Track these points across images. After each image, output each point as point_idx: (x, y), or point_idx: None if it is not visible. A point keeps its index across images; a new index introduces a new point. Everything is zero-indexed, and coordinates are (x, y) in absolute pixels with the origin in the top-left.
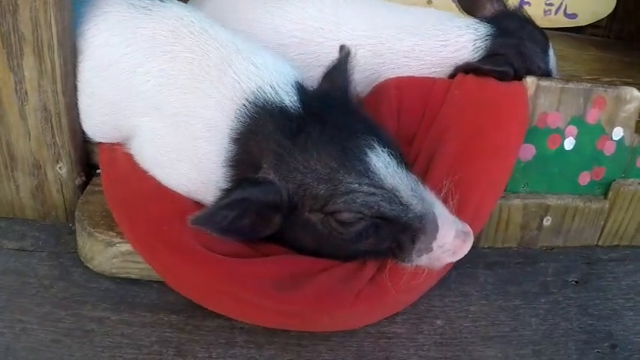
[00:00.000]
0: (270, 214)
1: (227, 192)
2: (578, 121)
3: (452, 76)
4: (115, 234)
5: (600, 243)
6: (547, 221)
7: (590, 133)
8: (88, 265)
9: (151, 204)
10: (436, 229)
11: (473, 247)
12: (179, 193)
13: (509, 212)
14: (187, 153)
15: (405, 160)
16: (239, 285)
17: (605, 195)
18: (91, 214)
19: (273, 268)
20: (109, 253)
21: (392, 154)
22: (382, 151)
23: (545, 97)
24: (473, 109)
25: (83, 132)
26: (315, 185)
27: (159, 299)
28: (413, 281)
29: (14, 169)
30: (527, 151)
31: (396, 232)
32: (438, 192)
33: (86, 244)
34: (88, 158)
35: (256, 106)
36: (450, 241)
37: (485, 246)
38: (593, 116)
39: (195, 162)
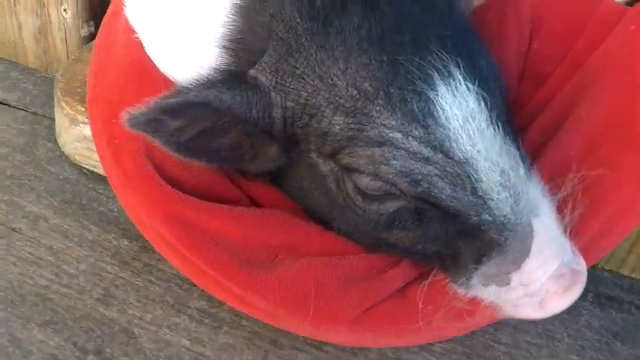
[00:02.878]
0: (262, 141)
1: (190, 87)
2: None
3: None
4: (83, 110)
5: None
6: None
7: None
8: (58, 141)
9: (118, 79)
10: (525, 252)
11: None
12: (160, 73)
13: None
14: (179, 19)
15: (510, 118)
16: (187, 243)
17: None
18: (72, 76)
19: (252, 228)
20: (73, 133)
21: (484, 99)
22: (467, 87)
23: None
24: None
25: None
26: (327, 112)
27: (119, 213)
28: (458, 320)
29: (17, 3)
30: None
31: (455, 235)
32: (554, 189)
33: (57, 115)
34: (104, 6)
35: None
36: (541, 281)
37: (606, 267)
38: None
39: (185, 34)
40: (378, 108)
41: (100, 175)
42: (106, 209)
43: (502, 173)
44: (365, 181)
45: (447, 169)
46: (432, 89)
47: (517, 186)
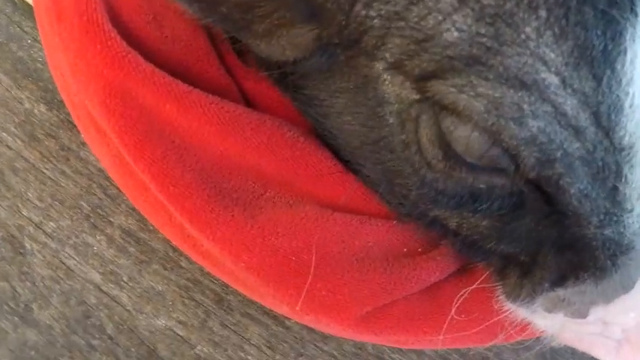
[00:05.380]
0: (292, 14)
1: None
2: None
3: None
4: None
5: None
6: None
7: None
8: None
9: None
10: (627, 287)
11: None
12: None
13: None
14: None
15: None
16: (131, 141)
17: None
18: None
19: (240, 139)
20: None
21: None
22: None
23: None
24: None
25: None
26: (445, 5)
27: (45, 66)
28: (490, 338)
29: None
30: None
31: (549, 242)
32: None
33: None
34: None
35: None
36: (629, 326)
37: None
38: None
39: None
40: (536, 24)
41: (31, 6)
42: (26, 56)
43: None
44: (469, 138)
45: (597, 154)
46: (624, 19)
47: None
